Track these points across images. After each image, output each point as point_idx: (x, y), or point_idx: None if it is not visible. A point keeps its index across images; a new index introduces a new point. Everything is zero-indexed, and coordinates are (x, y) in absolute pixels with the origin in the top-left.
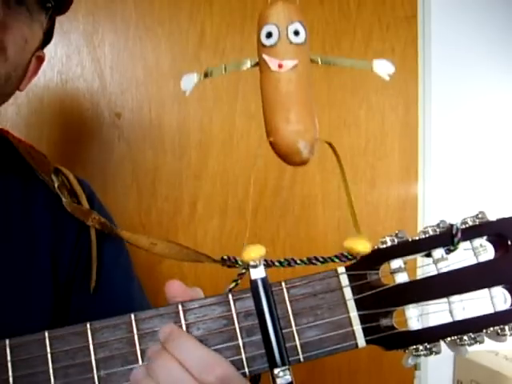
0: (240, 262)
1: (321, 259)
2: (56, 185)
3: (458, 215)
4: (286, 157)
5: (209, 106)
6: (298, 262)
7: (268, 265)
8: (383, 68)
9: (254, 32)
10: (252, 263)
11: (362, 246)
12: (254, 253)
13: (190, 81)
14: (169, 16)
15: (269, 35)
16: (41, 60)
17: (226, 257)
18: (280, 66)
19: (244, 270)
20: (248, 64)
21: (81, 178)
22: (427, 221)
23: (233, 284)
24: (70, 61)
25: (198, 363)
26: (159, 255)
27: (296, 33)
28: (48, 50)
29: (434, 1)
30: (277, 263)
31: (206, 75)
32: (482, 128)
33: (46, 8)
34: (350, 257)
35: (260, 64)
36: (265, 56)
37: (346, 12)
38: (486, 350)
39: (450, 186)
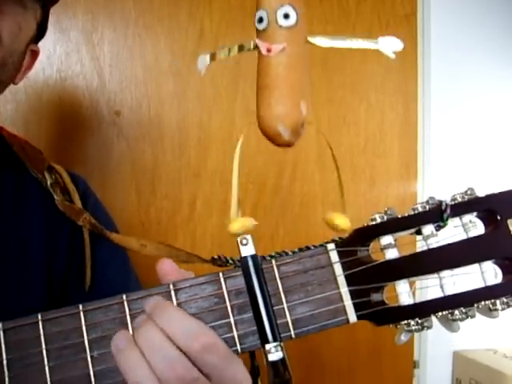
0: (231, 261)
1: (312, 248)
2: (49, 182)
3: None
4: (270, 139)
5: (208, 103)
6: (290, 254)
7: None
8: (389, 45)
9: (253, 30)
10: (243, 242)
11: (341, 221)
12: (237, 224)
13: (203, 61)
14: (168, 14)
15: (260, 20)
16: (35, 54)
17: (216, 256)
18: (269, 49)
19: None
20: (251, 46)
21: (76, 173)
22: None
23: None
24: (69, 59)
25: (182, 332)
26: (150, 256)
27: (286, 16)
28: (47, 48)
29: None
30: (268, 258)
31: (213, 57)
32: (482, 126)
33: None
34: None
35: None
36: (257, 40)
37: (346, 10)
38: (485, 348)
39: (449, 184)
